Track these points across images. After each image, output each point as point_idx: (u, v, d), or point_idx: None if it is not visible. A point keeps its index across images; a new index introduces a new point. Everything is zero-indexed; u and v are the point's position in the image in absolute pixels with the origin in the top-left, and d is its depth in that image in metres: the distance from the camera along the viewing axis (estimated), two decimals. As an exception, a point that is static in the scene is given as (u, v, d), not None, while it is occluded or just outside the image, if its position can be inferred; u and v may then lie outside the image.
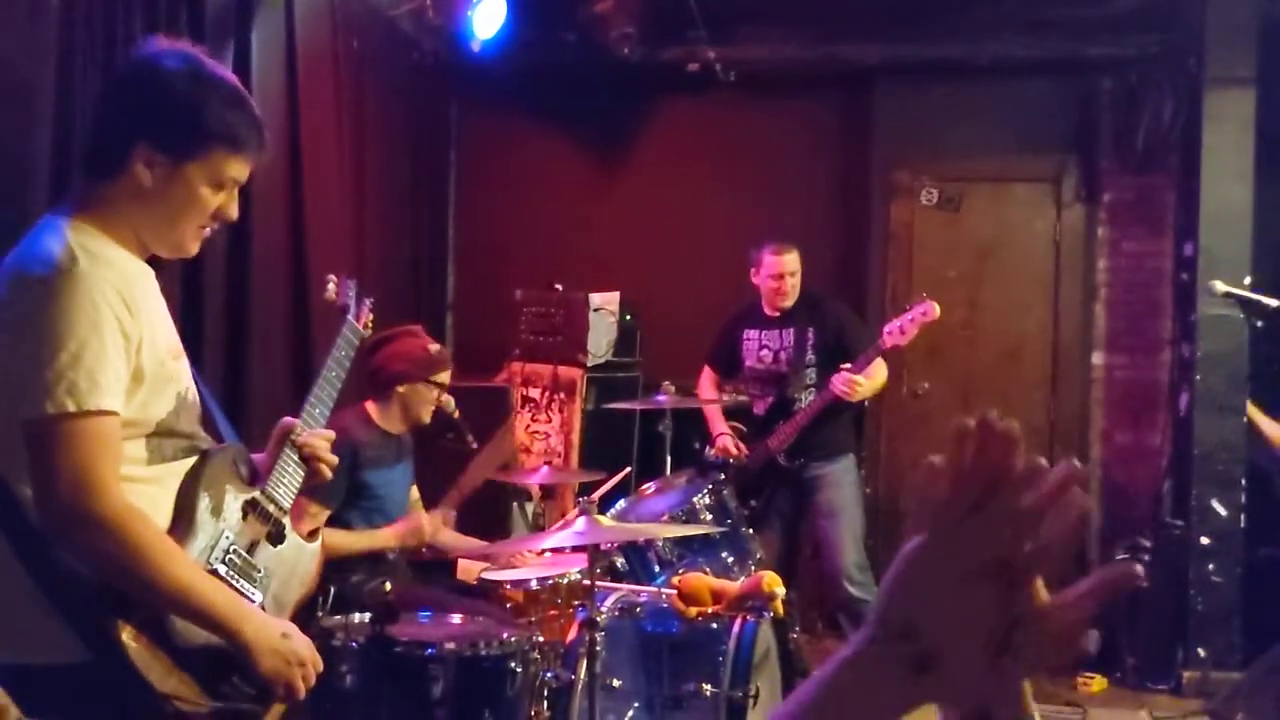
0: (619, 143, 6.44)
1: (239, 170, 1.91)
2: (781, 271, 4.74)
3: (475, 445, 3.95)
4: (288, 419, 2.12)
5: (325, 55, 4.72)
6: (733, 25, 5.91)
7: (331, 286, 2.61)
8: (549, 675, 2.95)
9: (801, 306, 4.82)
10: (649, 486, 4.26)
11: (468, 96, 6.44)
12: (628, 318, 5.86)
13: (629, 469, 4.72)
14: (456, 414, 3.98)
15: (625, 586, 3.48)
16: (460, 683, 2.82)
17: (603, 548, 3.21)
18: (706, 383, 5.03)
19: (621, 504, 4.09)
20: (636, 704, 3.06)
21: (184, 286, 3.80)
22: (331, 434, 2.17)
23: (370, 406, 3.70)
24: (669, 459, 4.62)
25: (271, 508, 2.07)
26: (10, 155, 3.05)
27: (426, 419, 3.73)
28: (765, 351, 4.83)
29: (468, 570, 4.08)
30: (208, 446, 2.00)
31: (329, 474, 2.17)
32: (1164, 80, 5.65)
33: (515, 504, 4.98)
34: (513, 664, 2.88)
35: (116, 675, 1.74)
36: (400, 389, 3.65)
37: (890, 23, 5.77)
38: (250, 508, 2.04)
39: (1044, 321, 6.07)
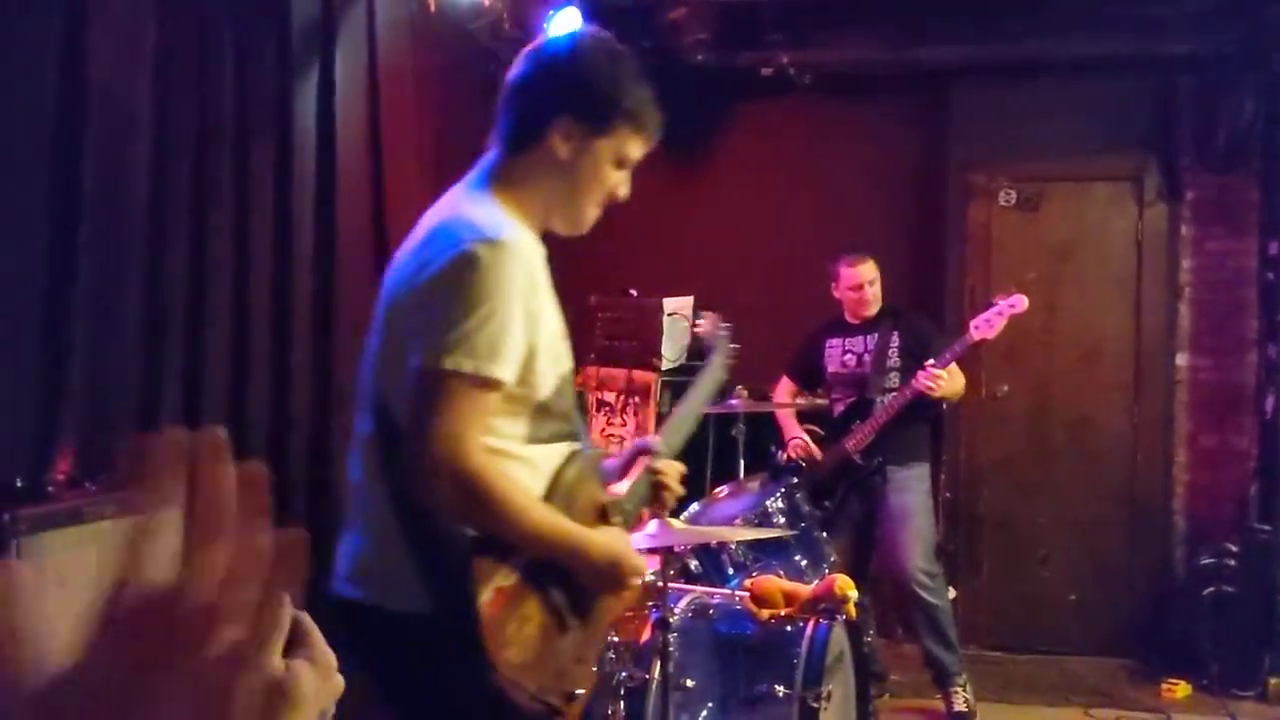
0: (694, 149, 6.48)
1: (637, 150, 2.05)
2: (860, 281, 4.78)
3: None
4: (651, 438, 2.18)
5: (405, 69, 4.84)
6: (807, 28, 5.92)
7: (704, 323, 2.74)
8: (623, 675, 3.00)
9: (885, 314, 4.87)
10: (722, 490, 4.30)
11: (544, 105, 6.52)
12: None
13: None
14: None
15: (698, 588, 3.53)
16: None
17: (676, 550, 3.26)
18: (783, 392, 5.06)
19: (695, 507, 4.13)
20: (710, 704, 3.10)
21: (273, 296, 3.94)
22: (682, 467, 2.18)
23: None
24: (742, 463, 4.65)
25: (618, 519, 2.09)
26: (111, 171, 3.19)
27: None
28: (849, 356, 4.85)
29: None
30: (576, 430, 2.04)
31: (671, 504, 2.20)
32: (1244, 77, 5.54)
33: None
34: (589, 663, 2.93)
35: (458, 635, 1.80)
36: None
37: (966, 23, 5.74)
38: (604, 514, 2.07)
39: (1125, 323, 5.98)
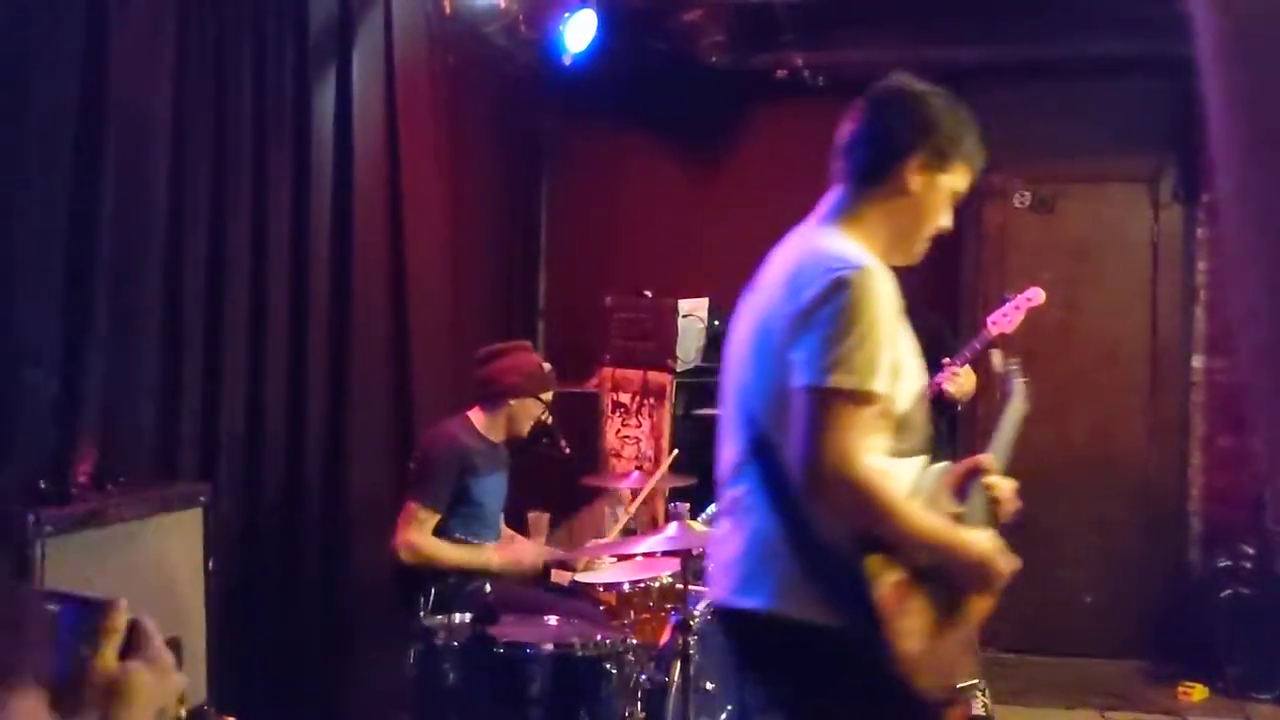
0: (709, 150, 6.48)
1: (965, 186, 2.23)
2: None
3: (568, 450, 4.04)
4: (983, 456, 2.28)
5: (422, 71, 4.85)
6: (822, 30, 5.90)
7: (996, 361, 3.07)
8: (643, 677, 3.01)
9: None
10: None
11: (560, 108, 6.53)
12: (716, 324, 5.89)
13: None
14: (550, 420, 4.09)
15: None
16: (557, 682, 2.90)
17: (694, 552, 3.26)
18: None
19: (713, 508, 4.13)
20: (730, 707, 3.10)
21: (290, 297, 3.96)
22: (1014, 483, 2.26)
23: (475, 415, 3.81)
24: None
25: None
26: (130, 173, 3.20)
27: (525, 433, 3.87)
28: None
29: (560, 572, 4.16)
30: (927, 445, 2.17)
31: (1005, 518, 2.26)
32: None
33: (607, 509, 5.06)
34: (608, 665, 2.94)
35: (860, 631, 1.93)
36: (512, 402, 3.79)
37: (981, 24, 5.71)
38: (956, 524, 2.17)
39: (1142, 324, 5.95)
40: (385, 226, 4.55)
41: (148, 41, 3.24)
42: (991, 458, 2.28)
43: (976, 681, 2.07)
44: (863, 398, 1.93)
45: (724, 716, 3.08)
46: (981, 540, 2.06)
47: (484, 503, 3.76)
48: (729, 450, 2.14)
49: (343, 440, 4.22)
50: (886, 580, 1.95)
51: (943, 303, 5.91)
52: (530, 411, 3.83)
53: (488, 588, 3.27)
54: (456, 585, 3.58)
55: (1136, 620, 5.76)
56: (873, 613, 1.92)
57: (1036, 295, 4.52)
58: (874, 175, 2.16)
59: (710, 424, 5.38)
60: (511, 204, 6.17)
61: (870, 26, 5.93)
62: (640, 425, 5.73)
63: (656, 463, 5.56)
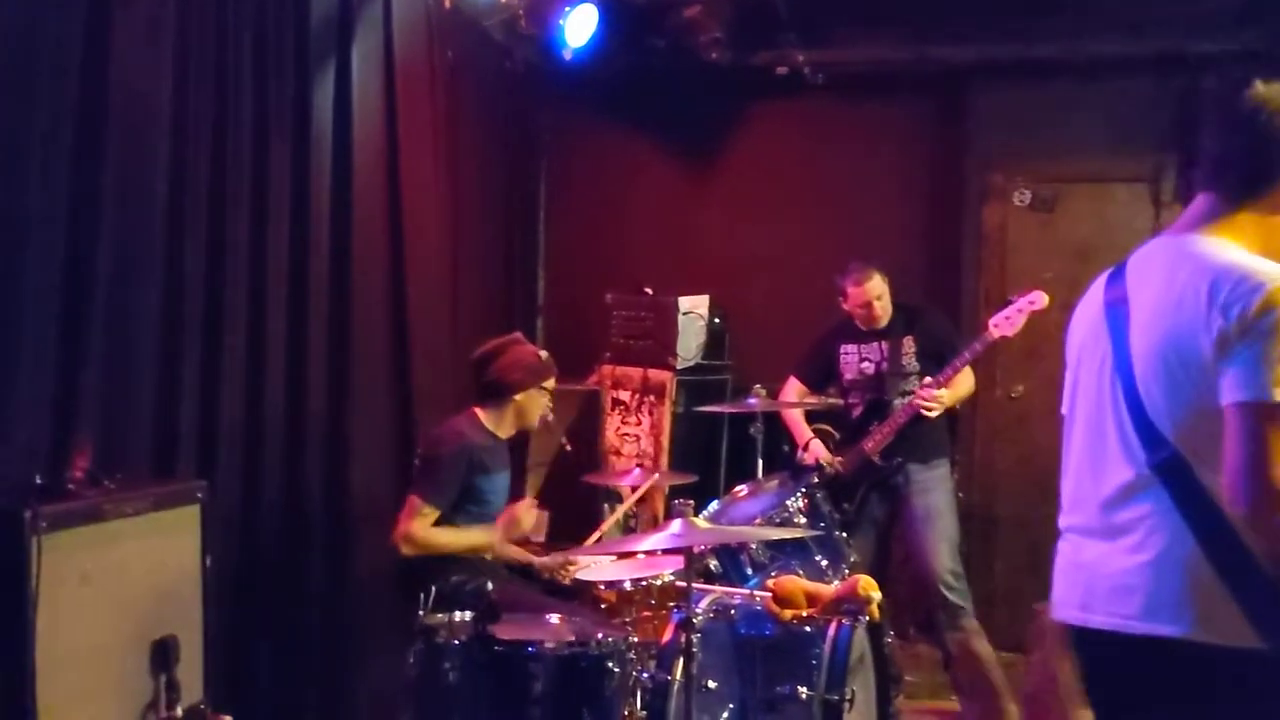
0: (709, 147, 6.46)
1: None
2: (867, 299, 4.68)
3: (569, 447, 4.03)
4: None
5: (422, 66, 4.83)
6: (822, 28, 5.89)
7: None
8: (644, 676, 2.98)
9: (899, 319, 4.76)
10: (741, 489, 4.27)
11: (559, 103, 6.52)
12: (717, 321, 5.88)
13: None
14: (550, 417, 4.07)
15: (719, 588, 3.51)
16: (559, 681, 2.88)
17: (696, 550, 3.24)
18: (791, 393, 4.96)
19: (715, 506, 4.11)
20: (732, 705, 3.08)
21: (290, 293, 3.93)
22: None
23: (481, 413, 3.81)
24: (760, 462, 4.63)
25: None
26: (131, 170, 3.18)
27: (537, 423, 3.88)
28: (866, 364, 4.75)
29: (562, 572, 4.14)
30: None
31: None
32: (1267, 77, 5.49)
33: (607, 505, 5.04)
34: (610, 664, 2.92)
35: None
36: (518, 397, 3.80)
37: (983, 22, 5.70)
38: None
39: (1142, 323, 5.93)
40: (384, 222, 4.53)
41: (148, 37, 3.21)
42: None
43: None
44: None
45: (725, 716, 3.06)
46: None
47: (491, 500, 3.76)
48: (1116, 471, 2.09)
49: (343, 437, 4.20)
50: None
51: (943, 302, 5.89)
52: (538, 403, 3.85)
53: (489, 586, 3.24)
54: (459, 583, 3.57)
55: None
56: None
57: (1039, 299, 4.50)
58: (1256, 190, 2.12)
59: (709, 421, 5.41)
60: (511, 200, 6.14)
61: (870, 24, 5.92)
62: (640, 423, 5.71)
63: (656, 460, 5.55)
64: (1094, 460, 2.16)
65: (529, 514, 3.84)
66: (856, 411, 4.80)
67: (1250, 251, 2.08)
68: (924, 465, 4.66)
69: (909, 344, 4.72)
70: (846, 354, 4.83)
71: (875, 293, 4.71)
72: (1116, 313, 2.16)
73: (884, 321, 4.75)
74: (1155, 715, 2.04)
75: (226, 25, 3.57)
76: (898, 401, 4.63)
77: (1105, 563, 2.09)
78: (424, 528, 3.59)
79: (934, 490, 4.66)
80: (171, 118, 3.31)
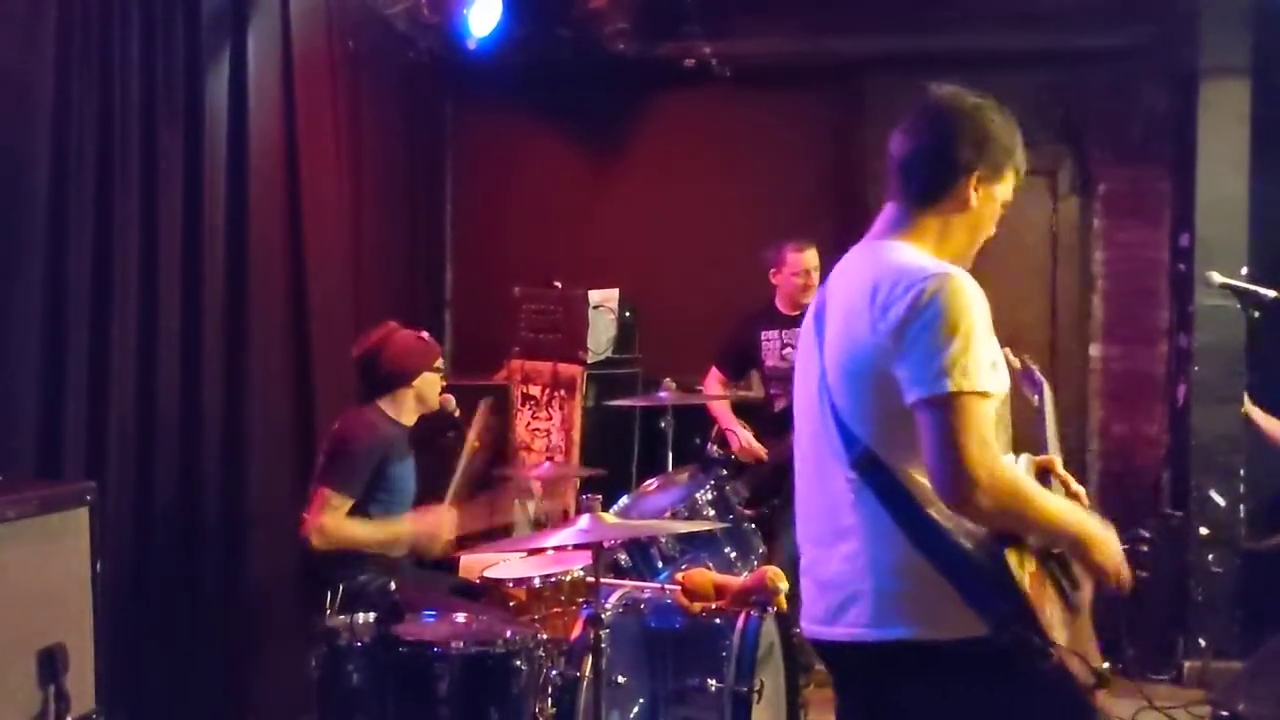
0: (616, 139, 6.44)
1: (1011, 192, 2.26)
2: (807, 267, 4.72)
3: (477, 444, 3.98)
4: (1046, 457, 2.33)
5: (320, 55, 4.71)
6: (727, 20, 5.90)
7: (1014, 362, 3.03)
8: (553, 673, 2.95)
9: None
10: (651, 483, 4.26)
11: (463, 94, 6.44)
12: (627, 314, 5.86)
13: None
14: (457, 412, 4.02)
15: (629, 583, 3.49)
16: (466, 681, 2.84)
17: (606, 545, 3.22)
18: (713, 383, 4.96)
19: (624, 500, 4.09)
20: (641, 700, 3.06)
21: (183, 285, 3.81)
22: (1081, 492, 2.27)
23: (385, 404, 3.75)
24: (670, 455, 4.62)
25: None
26: (9, 156, 3.05)
27: (437, 403, 3.86)
28: (789, 350, 4.73)
29: (470, 568, 4.09)
30: (1009, 439, 2.19)
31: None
32: (1158, 70, 5.65)
33: (517, 501, 4.99)
34: (517, 662, 2.89)
35: (1017, 629, 1.92)
36: (415, 383, 3.77)
37: (882, 15, 5.76)
38: None
39: (1042, 313, 6.07)
40: (283, 215, 4.42)
41: (26, 14, 3.07)
42: (1054, 456, 2.33)
43: (1107, 665, 2.05)
44: (981, 397, 1.93)
45: (635, 710, 3.05)
46: (1106, 532, 2.07)
47: (402, 488, 3.72)
48: (831, 480, 2.10)
49: (240, 434, 4.08)
50: (1026, 573, 1.95)
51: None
52: (433, 383, 3.83)
53: (393, 585, 3.18)
54: (364, 583, 3.50)
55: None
56: (1024, 610, 1.92)
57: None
58: (935, 192, 2.18)
59: (621, 415, 5.39)
60: (416, 192, 6.05)
61: (771, 16, 5.95)
62: (551, 418, 5.67)
63: (567, 455, 5.51)
64: (816, 471, 2.17)
65: (447, 520, 3.78)
66: (778, 405, 4.78)
67: (940, 252, 2.14)
68: None
69: None
70: (768, 340, 4.80)
71: (813, 263, 4.72)
72: (819, 323, 2.21)
73: (810, 298, 4.73)
74: (907, 715, 2.07)
75: (111, 7, 3.43)
76: None
77: (836, 572, 2.09)
78: (337, 520, 3.51)
79: None
80: (53, 106, 3.17)
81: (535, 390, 5.72)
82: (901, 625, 2.00)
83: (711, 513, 3.95)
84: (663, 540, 3.83)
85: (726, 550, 3.88)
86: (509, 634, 2.96)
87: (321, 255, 4.62)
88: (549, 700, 2.96)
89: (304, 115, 4.49)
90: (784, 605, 3.25)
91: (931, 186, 2.18)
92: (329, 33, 4.79)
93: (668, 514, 3.91)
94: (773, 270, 4.79)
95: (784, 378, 4.76)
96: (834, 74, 6.13)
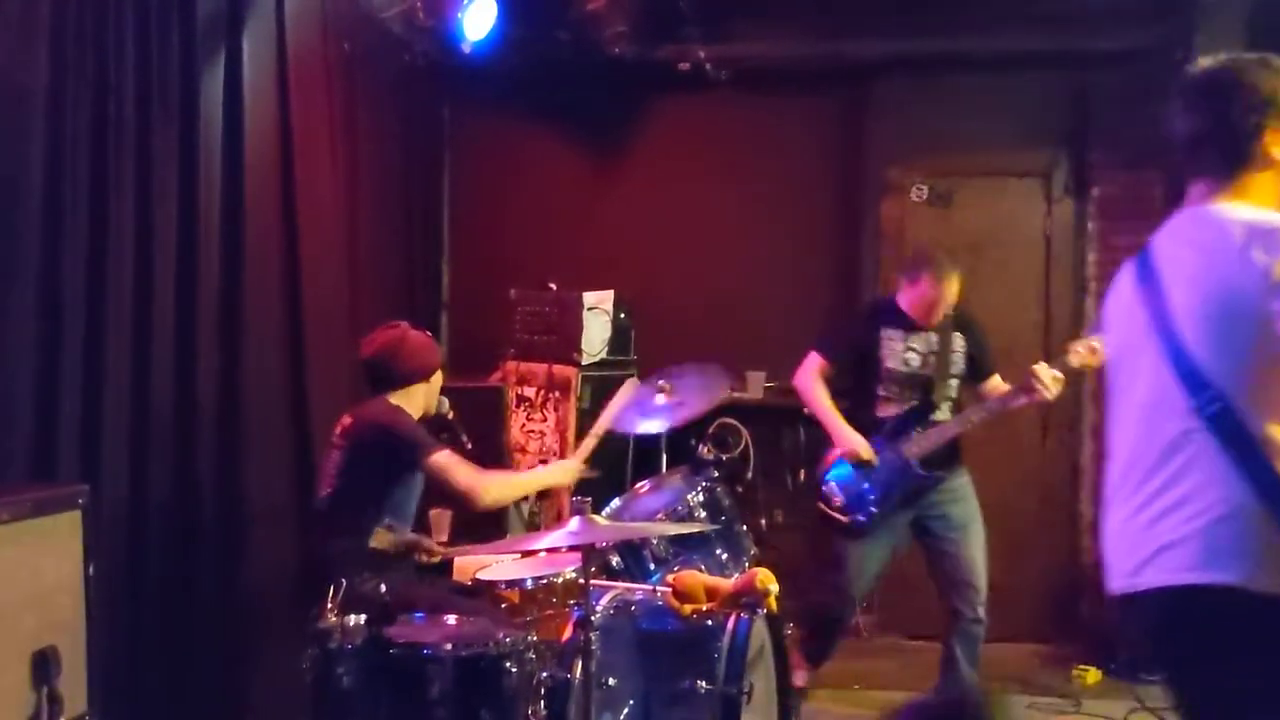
0: (613, 141, 6.45)
1: None
2: (942, 299, 4.41)
3: (470, 445, 3.98)
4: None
5: (316, 58, 4.72)
6: (726, 22, 5.92)
7: None
8: (545, 675, 2.96)
9: (948, 317, 4.51)
10: (643, 485, 4.27)
11: (460, 97, 6.45)
12: (622, 316, 5.87)
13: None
14: (451, 414, 4.02)
15: (620, 585, 3.50)
16: (457, 683, 2.84)
17: (598, 547, 3.23)
18: (813, 372, 4.57)
19: (616, 502, 4.10)
20: (632, 702, 3.07)
21: (178, 286, 3.82)
22: None
23: (395, 399, 3.73)
24: (664, 457, 4.63)
25: None
26: (3, 158, 3.05)
27: (436, 403, 3.89)
28: (912, 355, 4.49)
29: (463, 570, 4.10)
30: None
31: None
32: (1155, 74, 5.65)
33: (513, 505, 5.00)
34: (509, 664, 2.89)
35: None
36: (423, 383, 3.79)
37: (883, 18, 5.78)
38: None
39: (1036, 316, 6.08)
40: (278, 217, 4.43)
41: (21, 15, 3.08)
42: None
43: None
44: None
45: (626, 712, 3.06)
46: None
47: (413, 486, 3.72)
48: (1163, 432, 2.13)
49: (236, 435, 4.09)
50: None
51: (844, 295, 5.98)
52: (436, 386, 3.85)
53: (383, 587, 3.18)
54: (359, 583, 3.50)
55: (1034, 605, 5.89)
56: None
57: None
58: (1238, 160, 2.22)
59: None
60: (413, 194, 6.06)
61: (771, 20, 5.96)
62: (545, 419, 5.68)
63: (562, 457, 5.52)
64: (1144, 424, 2.19)
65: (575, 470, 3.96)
66: (892, 410, 4.49)
67: (1265, 207, 2.19)
68: (953, 473, 4.54)
69: (959, 342, 4.52)
70: (889, 340, 4.48)
71: (952, 297, 4.42)
72: (1149, 288, 2.23)
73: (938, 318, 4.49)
74: (1211, 668, 2.06)
75: (107, 8, 3.44)
76: (940, 408, 4.48)
77: (1159, 523, 2.11)
78: (489, 478, 3.62)
79: (966, 499, 4.54)
80: (47, 107, 3.18)
81: (530, 392, 5.73)
82: (1232, 569, 2.00)
83: (703, 514, 3.96)
84: (654, 542, 3.84)
85: (718, 552, 3.89)
86: (501, 636, 2.97)
87: (316, 257, 4.63)
88: (540, 702, 2.97)
89: (299, 118, 4.50)
90: (774, 607, 3.27)
91: (1232, 156, 2.23)
92: (324, 35, 4.80)
93: (659, 516, 3.92)
94: (906, 281, 4.48)
95: (903, 382, 4.50)
96: (835, 77, 6.15)
